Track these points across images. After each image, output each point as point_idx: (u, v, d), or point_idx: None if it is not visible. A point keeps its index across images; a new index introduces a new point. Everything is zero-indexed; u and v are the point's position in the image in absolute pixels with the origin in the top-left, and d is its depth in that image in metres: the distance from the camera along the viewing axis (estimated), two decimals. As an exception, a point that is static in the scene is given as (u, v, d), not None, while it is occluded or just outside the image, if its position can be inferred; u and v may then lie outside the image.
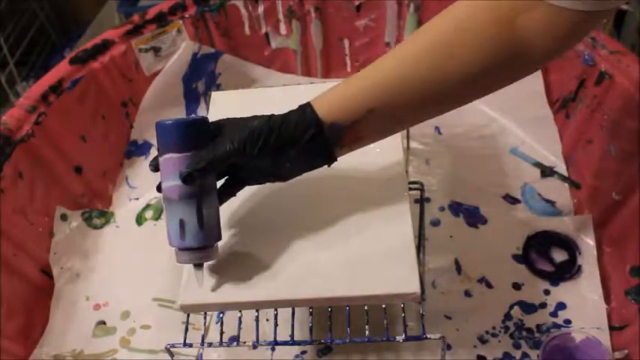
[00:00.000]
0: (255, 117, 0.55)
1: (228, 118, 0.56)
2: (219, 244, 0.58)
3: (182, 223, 0.54)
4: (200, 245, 0.55)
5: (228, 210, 0.63)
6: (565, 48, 0.52)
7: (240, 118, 0.55)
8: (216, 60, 1.02)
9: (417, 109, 0.53)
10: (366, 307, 0.58)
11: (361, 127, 0.53)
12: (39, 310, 0.80)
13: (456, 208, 0.86)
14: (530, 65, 0.52)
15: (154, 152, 0.99)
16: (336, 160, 0.56)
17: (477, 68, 0.50)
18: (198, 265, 0.56)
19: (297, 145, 0.53)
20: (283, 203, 0.64)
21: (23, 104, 0.84)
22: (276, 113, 0.55)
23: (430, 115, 0.55)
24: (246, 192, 0.63)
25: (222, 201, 0.58)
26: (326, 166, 0.57)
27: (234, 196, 0.59)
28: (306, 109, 0.53)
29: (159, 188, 0.56)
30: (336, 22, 1.02)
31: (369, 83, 0.52)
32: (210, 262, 0.58)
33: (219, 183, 0.58)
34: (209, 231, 0.55)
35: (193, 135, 0.54)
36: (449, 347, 0.72)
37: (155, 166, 0.56)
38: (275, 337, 0.59)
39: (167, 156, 0.54)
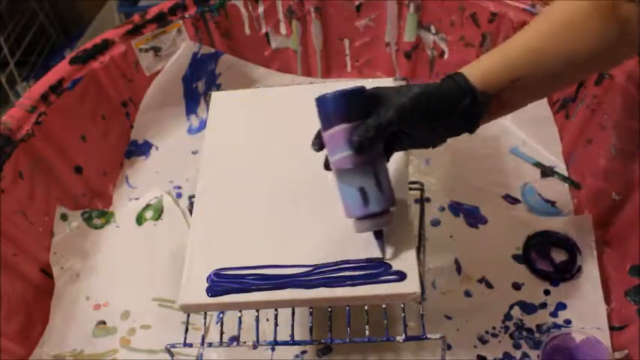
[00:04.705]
0: (412, 85, 0.56)
1: (383, 87, 0.57)
2: None
3: (363, 190, 0.55)
4: (383, 209, 0.56)
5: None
6: None
7: (397, 87, 0.57)
8: (216, 60, 1.02)
9: (550, 81, 0.58)
10: (366, 307, 0.58)
11: (506, 96, 0.56)
12: (39, 310, 0.80)
13: (456, 208, 0.86)
14: (632, 48, 0.57)
15: (154, 152, 1.00)
16: (478, 127, 0.58)
17: (589, 50, 0.55)
18: (379, 233, 0.58)
19: (453, 112, 0.55)
20: (280, 203, 0.64)
21: (23, 104, 0.84)
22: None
23: (564, 86, 0.63)
24: (245, 187, 0.63)
25: None
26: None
27: (388, 161, 0.60)
28: (459, 78, 0.55)
29: (326, 165, 0.58)
30: (336, 22, 1.02)
31: (514, 55, 0.56)
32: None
33: None
34: (388, 194, 0.56)
35: (356, 105, 0.55)
36: (449, 347, 0.72)
37: (319, 145, 0.57)
38: (275, 337, 0.59)
39: (336, 128, 0.55)
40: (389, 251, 0.59)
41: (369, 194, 0.55)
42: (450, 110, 0.55)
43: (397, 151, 0.61)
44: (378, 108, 0.55)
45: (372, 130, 0.54)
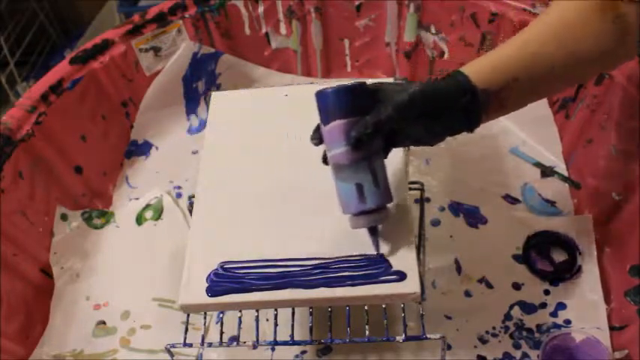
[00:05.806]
0: (412, 82, 0.56)
1: (383, 82, 0.58)
2: None
3: (360, 187, 0.55)
4: (379, 206, 0.56)
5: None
6: None
7: (397, 84, 0.57)
8: (216, 60, 1.02)
9: (550, 82, 0.58)
10: (366, 307, 0.58)
11: (506, 95, 0.56)
12: (39, 310, 0.80)
13: (456, 208, 0.86)
14: (631, 50, 0.57)
15: (154, 152, 1.00)
16: (478, 126, 0.58)
17: (587, 51, 0.55)
18: (373, 229, 0.58)
19: (452, 110, 0.55)
20: (280, 203, 0.64)
21: (23, 104, 0.84)
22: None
23: (564, 88, 0.63)
24: (244, 187, 0.63)
25: None
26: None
27: (386, 158, 0.60)
28: (459, 76, 0.55)
29: (325, 159, 0.58)
30: (336, 22, 1.02)
31: (514, 55, 0.56)
32: None
33: None
34: (385, 191, 0.56)
35: (356, 100, 0.55)
36: (449, 347, 0.72)
37: (319, 139, 0.57)
38: (275, 337, 0.59)
39: (334, 123, 0.55)
40: (386, 249, 0.59)
41: (365, 190, 0.55)
42: (449, 108, 0.55)
43: (397, 147, 0.60)
44: (377, 104, 0.55)
45: (371, 127, 0.54)
